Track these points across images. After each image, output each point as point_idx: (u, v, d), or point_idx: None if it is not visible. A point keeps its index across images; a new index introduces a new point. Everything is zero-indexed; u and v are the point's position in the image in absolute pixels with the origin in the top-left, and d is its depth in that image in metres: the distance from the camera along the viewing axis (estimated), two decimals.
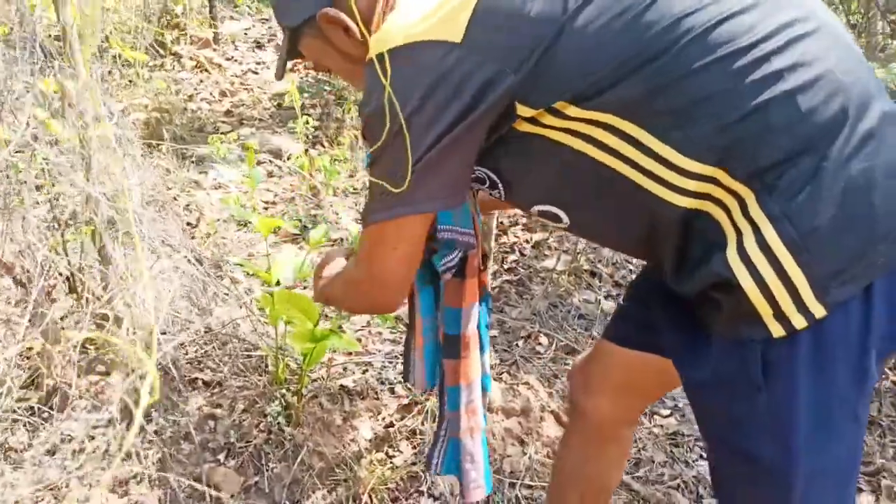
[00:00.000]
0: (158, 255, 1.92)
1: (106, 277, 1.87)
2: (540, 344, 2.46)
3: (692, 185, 0.89)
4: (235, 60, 5.36)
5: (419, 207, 1.01)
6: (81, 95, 1.65)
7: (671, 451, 2.08)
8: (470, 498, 1.43)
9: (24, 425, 1.79)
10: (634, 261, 3.00)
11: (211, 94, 4.63)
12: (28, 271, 1.72)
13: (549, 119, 0.94)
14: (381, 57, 0.94)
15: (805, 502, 0.96)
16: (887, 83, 2.47)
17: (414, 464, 1.86)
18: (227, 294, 2.18)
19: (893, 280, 0.88)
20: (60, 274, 1.87)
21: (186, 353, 2.05)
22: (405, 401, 2.08)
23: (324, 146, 3.96)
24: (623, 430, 1.45)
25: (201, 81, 4.86)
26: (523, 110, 0.94)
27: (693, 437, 2.15)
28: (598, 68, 0.89)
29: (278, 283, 1.83)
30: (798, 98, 0.84)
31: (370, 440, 1.93)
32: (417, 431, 1.96)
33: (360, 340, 2.30)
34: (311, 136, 3.99)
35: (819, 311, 0.86)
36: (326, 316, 2.07)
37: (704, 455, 2.09)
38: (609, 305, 2.72)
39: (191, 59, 5.10)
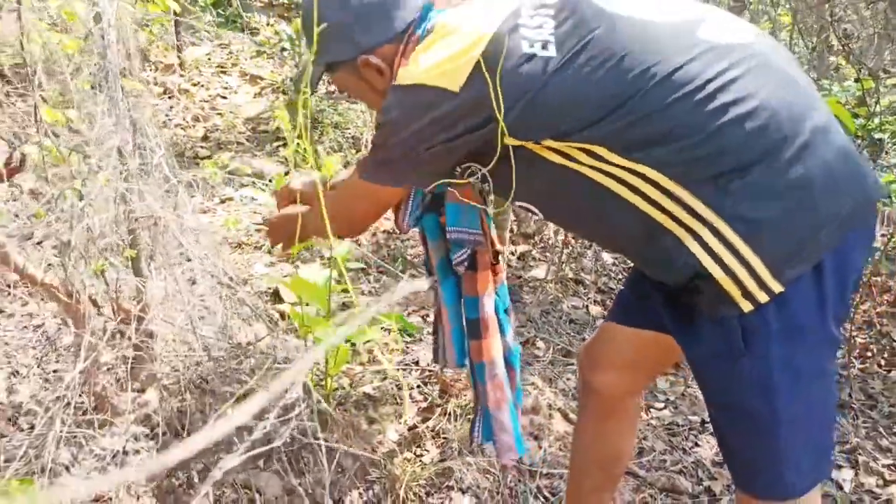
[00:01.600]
0: (193, 279, 2.02)
1: (141, 296, 1.96)
2: (538, 348, 2.62)
3: (654, 192, 1.13)
4: (202, 86, 5.41)
5: (388, 181, 1.35)
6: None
7: (669, 440, 2.26)
8: (504, 460, 1.65)
9: (70, 442, 1.86)
10: (615, 269, 3.20)
11: (184, 119, 4.68)
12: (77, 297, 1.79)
13: (532, 145, 1.20)
14: (397, 88, 1.23)
15: (789, 444, 1.19)
16: (840, 98, 2.75)
17: (442, 461, 1.99)
18: (252, 311, 2.28)
19: (838, 256, 1.11)
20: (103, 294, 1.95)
21: (218, 368, 2.14)
22: (424, 405, 2.21)
23: (301, 168, 4.07)
24: (630, 401, 1.64)
25: (171, 108, 4.91)
26: (509, 140, 1.19)
27: (687, 426, 2.33)
28: (578, 112, 1.14)
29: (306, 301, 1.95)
30: (744, 124, 1.07)
31: (397, 441, 2.05)
32: (441, 432, 2.09)
33: (370, 352, 2.42)
34: (290, 160, 4.08)
35: (777, 287, 1.08)
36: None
37: (699, 442, 2.28)
38: (597, 310, 2.91)
39: (157, 85, 5.14)
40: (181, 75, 5.32)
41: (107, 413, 1.90)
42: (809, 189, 1.06)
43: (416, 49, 1.29)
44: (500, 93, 1.14)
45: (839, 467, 2.21)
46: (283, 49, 5.54)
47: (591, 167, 1.17)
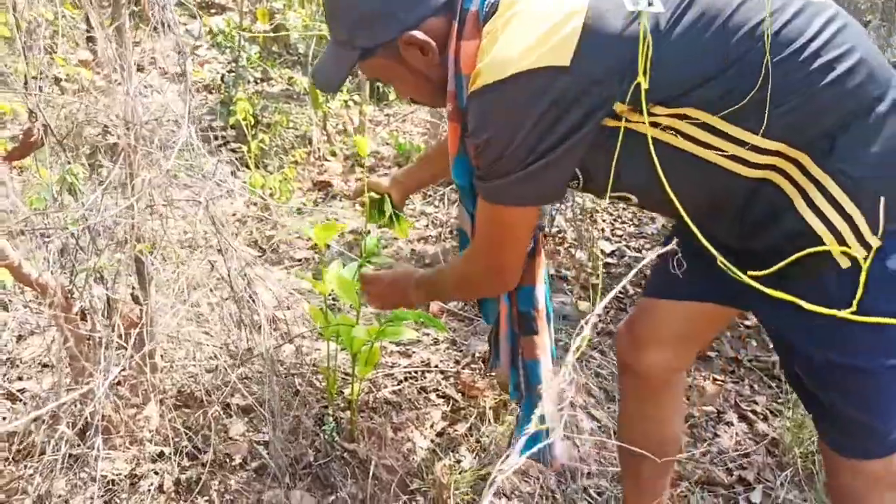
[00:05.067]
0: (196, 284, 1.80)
1: (142, 303, 1.72)
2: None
3: (760, 158, 1.08)
4: (120, 83, 5.03)
5: (528, 201, 1.18)
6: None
7: (691, 432, 2.22)
8: (558, 463, 1.57)
9: (63, 467, 1.60)
10: (590, 264, 3.16)
11: (109, 118, 4.30)
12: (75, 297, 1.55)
13: (635, 116, 1.09)
14: (490, 88, 1.08)
15: (887, 389, 1.17)
16: None
17: (483, 466, 1.86)
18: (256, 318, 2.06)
19: None
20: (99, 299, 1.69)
21: (222, 379, 1.91)
22: (445, 408, 2.06)
23: (249, 168, 3.82)
24: (676, 377, 1.56)
25: (87, 105, 4.51)
26: (619, 107, 1.08)
27: (704, 418, 2.30)
28: (689, 74, 1.06)
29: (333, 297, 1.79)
30: (846, 81, 1.05)
31: (428, 449, 1.90)
32: (473, 435, 1.96)
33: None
34: (234, 159, 3.84)
35: (875, 241, 1.06)
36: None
37: (718, 433, 2.25)
38: (585, 306, 2.85)
39: (70, 82, 4.73)
40: (97, 73, 4.92)
41: (111, 432, 1.66)
42: None
43: (483, 31, 1.16)
44: (609, 58, 1.05)
45: None
46: (196, 47, 5.25)
47: (695, 140, 1.09)
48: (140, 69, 5.54)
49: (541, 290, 1.48)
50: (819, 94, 1.04)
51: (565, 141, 1.08)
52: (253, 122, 4.12)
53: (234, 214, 3.27)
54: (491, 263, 1.30)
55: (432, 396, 2.11)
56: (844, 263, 1.08)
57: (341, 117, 4.31)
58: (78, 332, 1.57)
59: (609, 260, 3.27)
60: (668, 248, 1.02)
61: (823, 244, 1.08)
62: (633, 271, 0.64)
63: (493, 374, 1.70)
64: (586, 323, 0.63)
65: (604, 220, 3.61)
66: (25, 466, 1.59)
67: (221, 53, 4.97)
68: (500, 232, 1.24)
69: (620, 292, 3.00)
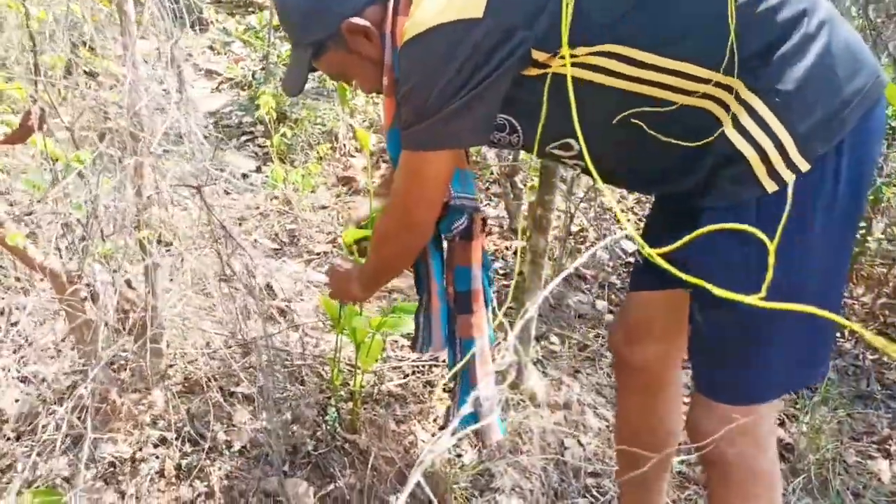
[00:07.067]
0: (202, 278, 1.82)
1: (140, 289, 1.75)
2: (553, 343, 2.50)
3: (690, 85, 1.08)
4: (155, 80, 5.13)
5: (446, 143, 1.18)
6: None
7: None
8: (490, 440, 1.56)
9: (66, 447, 1.63)
10: (612, 263, 3.12)
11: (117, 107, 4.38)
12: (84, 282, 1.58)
13: (556, 61, 1.10)
14: (411, 42, 1.11)
15: (781, 338, 1.15)
16: None
17: (482, 462, 1.85)
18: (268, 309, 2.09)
19: (856, 137, 1.09)
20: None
21: (225, 367, 1.93)
22: (450, 402, 2.05)
23: (273, 162, 3.86)
24: (672, 373, 1.53)
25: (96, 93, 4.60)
26: (538, 55, 1.09)
27: None
28: (606, 9, 1.06)
29: None
30: (765, 2, 1.05)
31: (429, 442, 1.90)
32: (477, 430, 1.94)
33: (384, 350, 2.25)
34: (260, 154, 3.88)
35: (804, 165, 1.06)
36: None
37: None
38: (602, 305, 2.81)
39: (107, 77, 4.84)
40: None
41: (113, 416, 1.68)
42: (831, 60, 1.07)
43: (413, 3, 1.19)
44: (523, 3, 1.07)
45: (871, 457, 2.17)
46: (227, 43, 5.34)
47: (624, 76, 1.09)
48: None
49: (478, 271, 1.49)
50: (741, 14, 1.03)
51: (480, 84, 1.10)
52: (280, 118, 4.17)
53: (257, 208, 3.31)
54: (404, 217, 1.30)
55: (438, 391, 2.10)
56: (771, 187, 1.08)
57: (368, 114, 4.33)
58: (82, 316, 1.59)
59: (630, 259, 3.23)
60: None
61: (751, 168, 1.08)
62: (589, 252, 0.62)
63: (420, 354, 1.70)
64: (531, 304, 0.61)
65: (627, 220, 3.56)
66: (25, 444, 1.62)
67: (254, 51, 5.04)
68: (416, 183, 1.24)
69: (622, 287, 2.96)
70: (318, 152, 3.67)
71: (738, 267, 1.12)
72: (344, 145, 4.02)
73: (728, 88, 1.08)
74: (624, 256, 3.22)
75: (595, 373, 2.35)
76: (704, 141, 1.11)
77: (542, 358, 2.36)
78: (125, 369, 1.81)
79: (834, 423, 2.19)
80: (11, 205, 2.37)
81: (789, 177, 1.07)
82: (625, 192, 3.78)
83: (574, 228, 3.29)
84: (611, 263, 3.17)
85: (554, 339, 2.53)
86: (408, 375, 2.12)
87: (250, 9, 6.40)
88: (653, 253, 0.63)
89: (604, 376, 2.33)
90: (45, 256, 1.55)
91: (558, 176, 1.97)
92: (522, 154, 3.39)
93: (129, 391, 1.78)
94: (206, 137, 4.07)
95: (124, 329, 1.67)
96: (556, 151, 1.25)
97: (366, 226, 1.70)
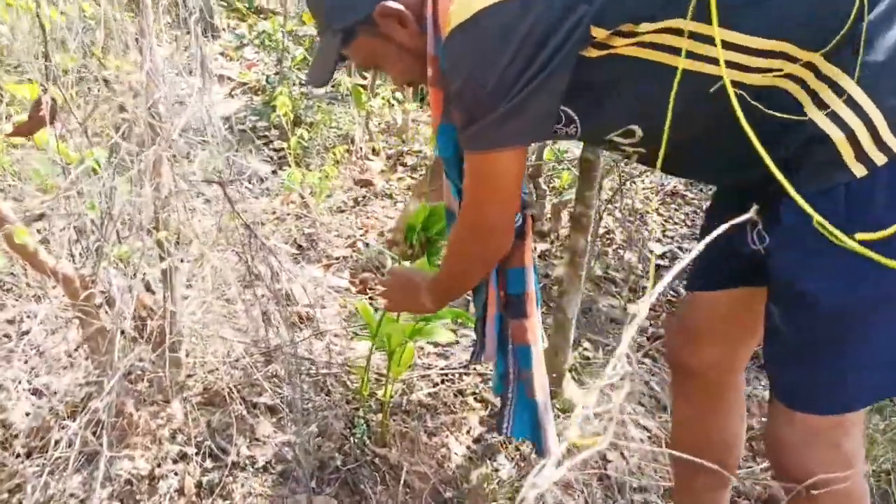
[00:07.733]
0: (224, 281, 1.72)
1: (158, 293, 1.65)
2: (586, 349, 2.39)
3: (762, 62, 0.97)
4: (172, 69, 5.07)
5: (510, 141, 1.06)
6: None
7: (750, 445, 2.05)
8: (549, 451, 1.41)
9: (80, 465, 1.53)
10: (641, 266, 3.01)
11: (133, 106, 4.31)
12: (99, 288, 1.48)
13: (619, 40, 0.99)
14: (458, 30, 1.00)
15: (868, 340, 1.02)
16: None
17: (522, 477, 1.73)
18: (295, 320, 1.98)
19: None
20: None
21: (247, 376, 1.83)
22: (484, 413, 1.94)
23: (289, 166, 3.77)
24: (734, 378, 1.42)
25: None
26: (597, 31, 0.98)
27: (759, 430, 2.13)
28: None
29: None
30: None
31: (464, 456, 1.78)
32: (512, 442, 1.83)
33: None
34: (276, 158, 3.80)
35: None
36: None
37: None
38: (634, 309, 2.70)
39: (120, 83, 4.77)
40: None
41: (129, 430, 1.58)
42: None
43: None
44: None
45: None
46: (239, 47, 5.28)
47: (691, 54, 0.98)
48: (188, 71, 5.60)
49: (531, 272, 1.38)
50: None
51: (542, 72, 0.99)
52: (296, 121, 4.08)
53: (273, 212, 3.21)
54: (479, 222, 1.18)
55: (470, 400, 1.99)
56: (860, 172, 0.96)
57: (384, 116, 4.24)
58: (96, 324, 1.49)
59: (660, 262, 3.11)
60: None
61: (838, 151, 0.96)
62: (677, 267, 0.52)
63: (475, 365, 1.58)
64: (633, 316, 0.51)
65: (654, 222, 3.44)
66: (36, 462, 1.52)
67: (268, 56, 4.97)
68: (486, 185, 1.13)
69: (672, 294, 2.85)
70: (334, 155, 3.57)
71: (822, 264, 1.01)
72: (360, 148, 3.93)
73: (808, 65, 0.97)
74: (654, 259, 3.10)
75: (635, 381, 2.24)
76: (785, 122, 0.99)
77: (577, 364, 2.25)
78: (142, 380, 1.70)
79: (889, 433, 2.07)
80: (25, 212, 2.28)
81: (881, 159, 0.95)
82: (650, 192, 3.68)
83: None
84: (640, 266, 3.06)
85: (587, 344, 2.41)
86: (437, 384, 2.01)
87: (262, 15, 6.35)
88: (847, 240, 0.52)
89: (641, 384, 2.22)
90: (56, 260, 1.45)
91: (600, 171, 1.86)
92: (546, 153, 3.29)
93: (146, 404, 1.67)
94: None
95: (141, 337, 1.57)
96: (616, 139, 1.13)
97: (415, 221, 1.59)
